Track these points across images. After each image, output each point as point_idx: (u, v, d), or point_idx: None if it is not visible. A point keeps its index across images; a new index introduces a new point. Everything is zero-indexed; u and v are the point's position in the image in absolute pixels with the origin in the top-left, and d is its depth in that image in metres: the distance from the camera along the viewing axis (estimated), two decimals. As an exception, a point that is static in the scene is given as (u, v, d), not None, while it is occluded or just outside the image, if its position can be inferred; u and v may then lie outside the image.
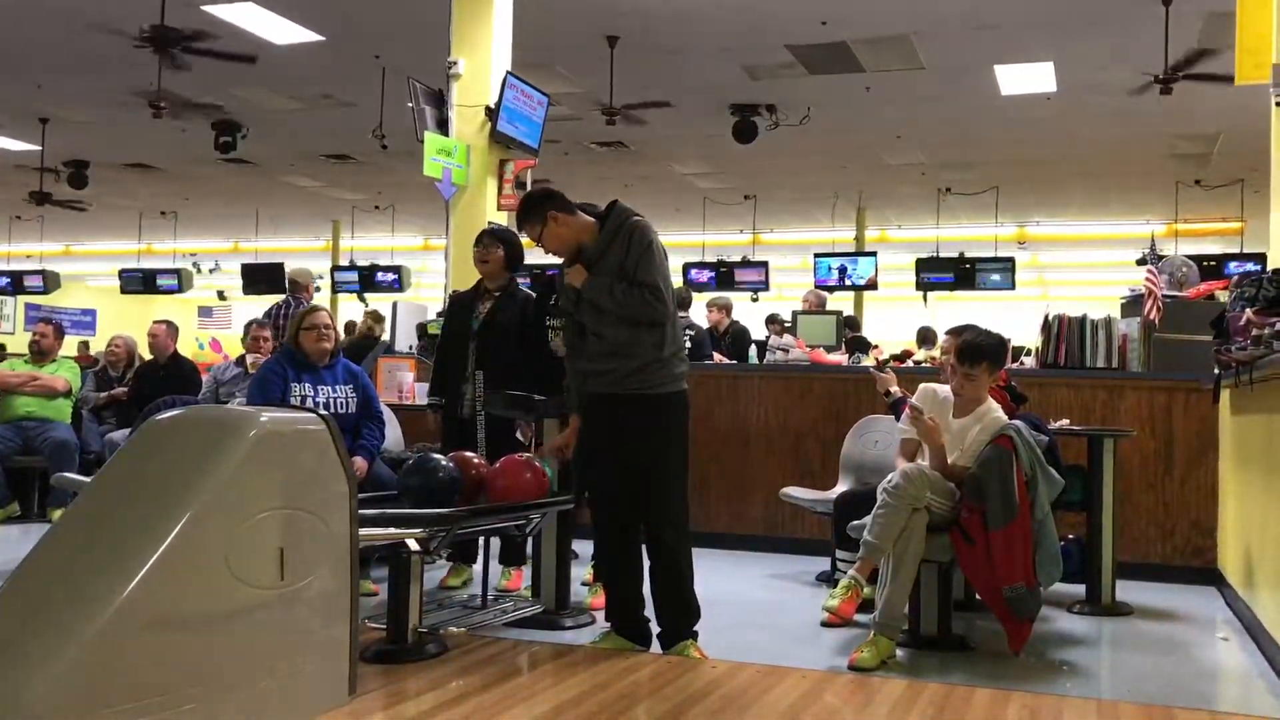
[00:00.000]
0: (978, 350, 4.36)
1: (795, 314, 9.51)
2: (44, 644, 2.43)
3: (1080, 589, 5.13)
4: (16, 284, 20.04)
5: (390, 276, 17.77)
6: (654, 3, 9.05)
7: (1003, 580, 4.04)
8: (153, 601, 2.54)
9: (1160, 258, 7.11)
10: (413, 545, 3.69)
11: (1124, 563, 5.35)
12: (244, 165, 15.29)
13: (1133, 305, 6.56)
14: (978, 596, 4.48)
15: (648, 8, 9.15)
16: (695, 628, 3.98)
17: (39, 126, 13.46)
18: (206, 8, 9.32)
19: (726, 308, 9.62)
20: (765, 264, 16.59)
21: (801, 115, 11.86)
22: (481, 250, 5.32)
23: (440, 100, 7.79)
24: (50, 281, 19.75)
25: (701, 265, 16.71)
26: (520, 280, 5.52)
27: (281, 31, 9.86)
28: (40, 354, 7.68)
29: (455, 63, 7.79)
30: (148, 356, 8.20)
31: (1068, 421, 5.56)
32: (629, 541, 4.04)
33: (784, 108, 11.81)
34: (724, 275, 16.41)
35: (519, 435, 5.21)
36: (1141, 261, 14.84)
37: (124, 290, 19.63)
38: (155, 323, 8.08)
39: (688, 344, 8.39)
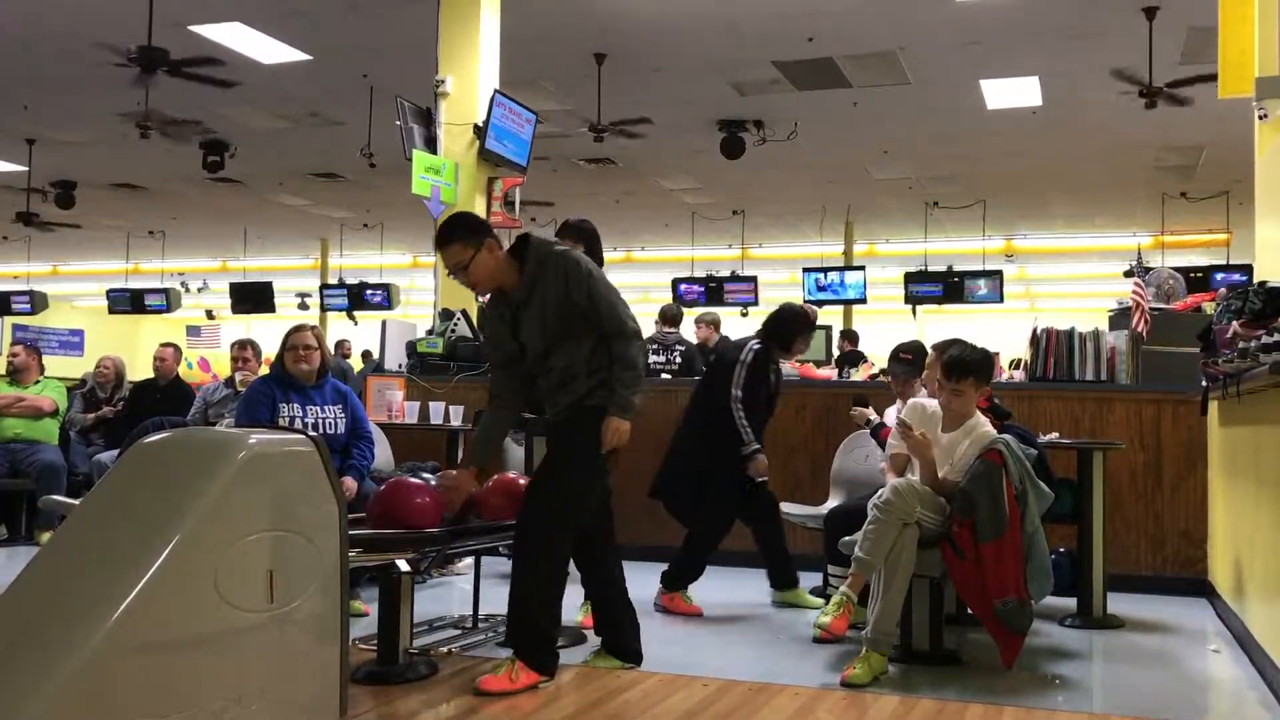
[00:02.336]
0: (963, 365, 4.37)
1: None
2: (33, 668, 2.41)
3: (1071, 602, 5.13)
4: (3, 305, 19.97)
5: (379, 294, 17.76)
6: (641, 20, 9.08)
7: (994, 594, 4.04)
8: (142, 625, 2.52)
9: (1147, 270, 7.15)
10: (403, 566, 3.68)
11: (1115, 575, 5.36)
12: (232, 184, 15.28)
13: (1120, 318, 6.59)
14: (969, 610, 4.48)
15: (635, 25, 9.19)
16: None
17: (25, 147, 13.45)
18: (194, 28, 9.33)
19: (715, 323, 9.64)
20: (754, 279, 16.62)
21: (789, 131, 11.91)
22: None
23: (428, 118, 7.81)
24: (38, 302, 19.68)
25: (690, 280, 16.73)
26: None
27: (269, 51, 9.87)
28: (17, 372, 7.65)
29: (443, 81, 7.81)
30: (146, 377, 8.14)
31: (1057, 435, 5.57)
32: (599, 555, 4.02)
33: (771, 123, 11.86)
34: (713, 290, 16.44)
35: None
36: (1128, 274, 14.96)
37: (112, 310, 19.58)
38: (163, 345, 8.03)
39: (675, 360, 8.39)
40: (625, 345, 3.74)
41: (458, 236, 3.74)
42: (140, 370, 11.74)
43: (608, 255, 4.99)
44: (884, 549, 4.04)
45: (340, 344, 13.84)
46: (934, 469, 4.30)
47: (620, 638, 4.02)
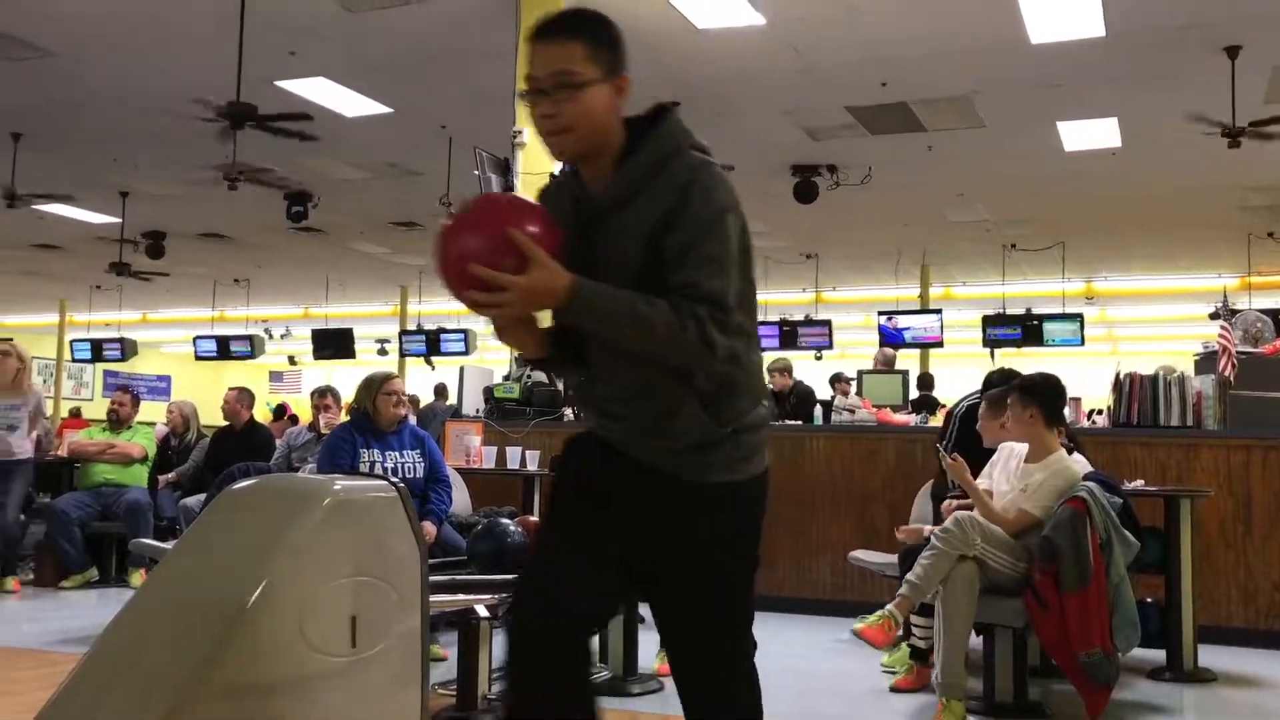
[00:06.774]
0: (1027, 389, 4.37)
1: (860, 373, 9.47)
2: (123, 711, 2.47)
3: (1160, 654, 5.00)
4: (96, 352, 20.61)
5: (457, 340, 17.97)
6: (714, 67, 9.16)
7: (1078, 645, 3.96)
8: (230, 670, 2.58)
9: (1233, 313, 7.00)
10: (482, 611, 3.71)
11: (1204, 626, 5.21)
12: (314, 234, 15.64)
13: (1206, 361, 6.45)
14: (1054, 662, 4.38)
15: (708, 72, 9.27)
16: None
17: (119, 200, 13.92)
18: (281, 84, 9.62)
19: (787, 369, 9.60)
20: (828, 322, 16.54)
21: (863, 175, 11.89)
22: None
23: (505, 168, 7.94)
24: (128, 349, 20.28)
25: (764, 324, 16.69)
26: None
27: (352, 104, 10.14)
28: (118, 422, 7.87)
29: (520, 132, 7.94)
30: (222, 423, 8.33)
31: (1142, 482, 5.45)
32: None
33: (845, 168, 11.85)
34: (787, 334, 16.38)
35: None
36: (1214, 316, 14.64)
37: (198, 356, 20.08)
38: (230, 389, 8.23)
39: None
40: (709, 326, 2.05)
41: (584, 33, 2.09)
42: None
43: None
44: (936, 577, 4.00)
45: (441, 389, 13.95)
46: (980, 496, 4.32)
47: None
